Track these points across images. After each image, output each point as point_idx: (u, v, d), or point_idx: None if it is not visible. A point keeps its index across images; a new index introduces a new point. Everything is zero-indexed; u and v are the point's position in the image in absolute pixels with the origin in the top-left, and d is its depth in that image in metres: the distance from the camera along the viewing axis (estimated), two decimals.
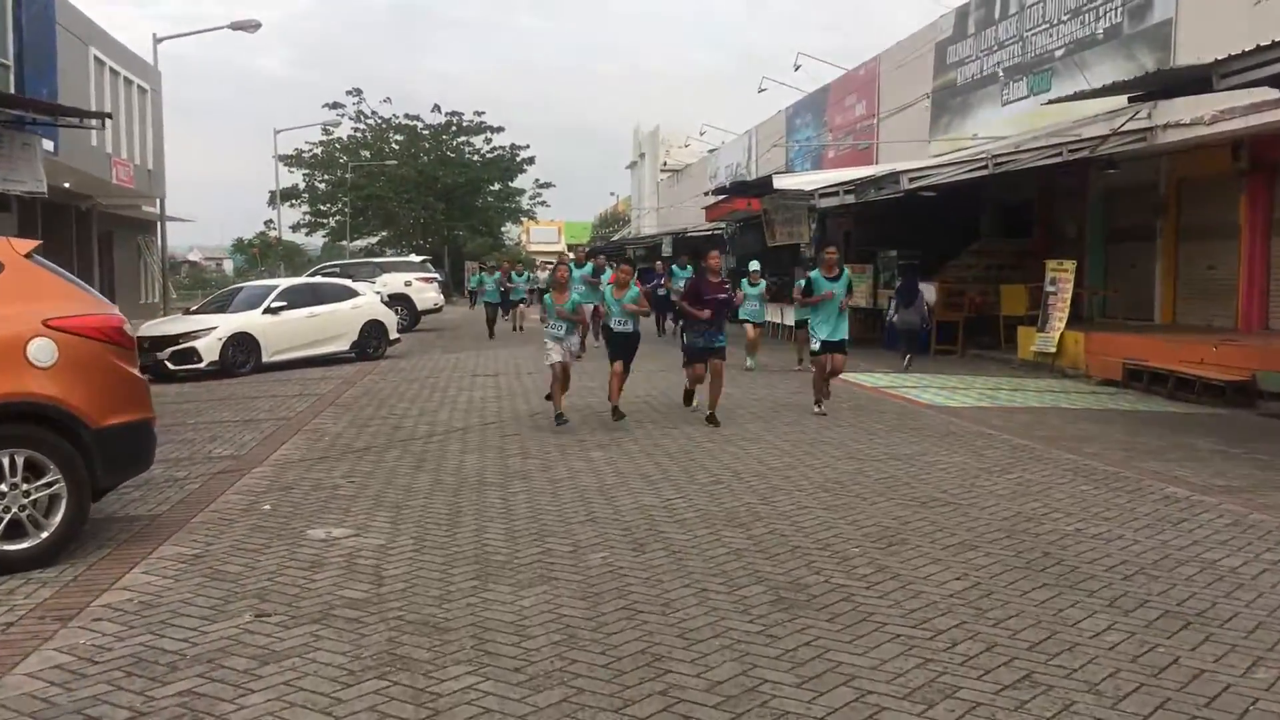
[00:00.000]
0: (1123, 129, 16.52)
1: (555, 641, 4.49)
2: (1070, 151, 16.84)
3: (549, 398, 10.99)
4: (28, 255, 6.15)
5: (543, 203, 65.44)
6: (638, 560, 5.76)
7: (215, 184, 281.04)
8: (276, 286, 19.07)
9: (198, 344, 17.07)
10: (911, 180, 17.39)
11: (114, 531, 6.58)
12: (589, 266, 19.25)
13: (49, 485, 5.83)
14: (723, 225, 35.85)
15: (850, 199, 19.87)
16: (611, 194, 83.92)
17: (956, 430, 10.44)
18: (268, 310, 18.11)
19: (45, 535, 5.84)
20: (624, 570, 5.57)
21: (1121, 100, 16.79)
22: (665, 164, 57.44)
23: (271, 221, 55.40)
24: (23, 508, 5.73)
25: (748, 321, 17.19)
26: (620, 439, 9.86)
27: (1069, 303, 17.37)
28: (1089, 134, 17.31)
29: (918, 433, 10.29)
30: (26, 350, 5.79)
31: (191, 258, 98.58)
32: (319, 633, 4.66)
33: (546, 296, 11.04)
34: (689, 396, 11.58)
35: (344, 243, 58.35)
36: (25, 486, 5.76)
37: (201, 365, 16.98)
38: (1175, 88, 10.57)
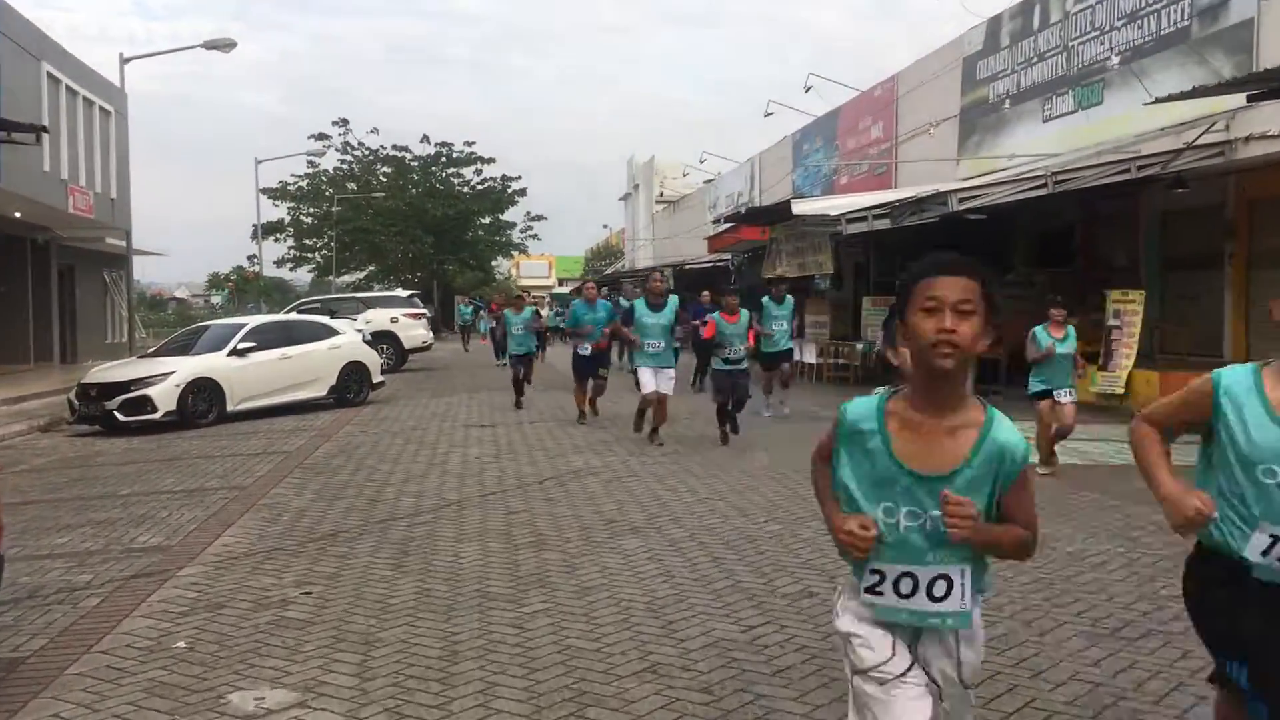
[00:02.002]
0: (1197, 142, 14.62)
1: None
2: (1140, 168, 14.94)
3: None
4: None
5: (534, 236, 63.43)
6: None
7: (206, 221, 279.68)
8: (244, 325, 16.94)
9: (151, 391, 14.91)
10: (961, 201, 15.47)
11: None
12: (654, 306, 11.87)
13: None
14: (727, 256, 33.98)
15: (884, 224, 17.94)
16: (604, 226, 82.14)
17: (1073, 501, 8.38)
18: (234, 352, 15.98)
19: None
20: None
21: (1189, 112, 15.07)
22: (661, 194, 55.62)
23: (254, 256, 53.22)
24: None
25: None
26: (661, 520, 7.76)
27: (1137, 338, 15.47)
28: (1150, 150, 15.46)
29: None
30: None
31: (179, 294, 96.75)
32: None
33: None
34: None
35: (330, 278, 56.21)
36: None
37: (156, 416, 14.82)
38: None
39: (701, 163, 44.44)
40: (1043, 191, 15.23)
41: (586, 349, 13.81)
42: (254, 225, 49.55)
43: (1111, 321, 15.88)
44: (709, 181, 45.99)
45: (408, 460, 11.06)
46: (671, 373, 11.81)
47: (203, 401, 15.36)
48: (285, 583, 6.17)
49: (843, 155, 30.42)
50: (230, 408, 15.64)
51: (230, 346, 16.04)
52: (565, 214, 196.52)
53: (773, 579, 6.01)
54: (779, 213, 22.53)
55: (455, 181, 59.80)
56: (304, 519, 8.07)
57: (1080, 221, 20.95)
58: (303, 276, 67.32)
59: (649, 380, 11.64)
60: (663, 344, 11.70)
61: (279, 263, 59.23)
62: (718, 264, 35.36)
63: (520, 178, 59.98)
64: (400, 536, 7.34)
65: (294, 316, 20.68)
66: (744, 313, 12.01)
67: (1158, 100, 11.89)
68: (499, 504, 8.48)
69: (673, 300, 12.01)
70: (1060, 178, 15.13)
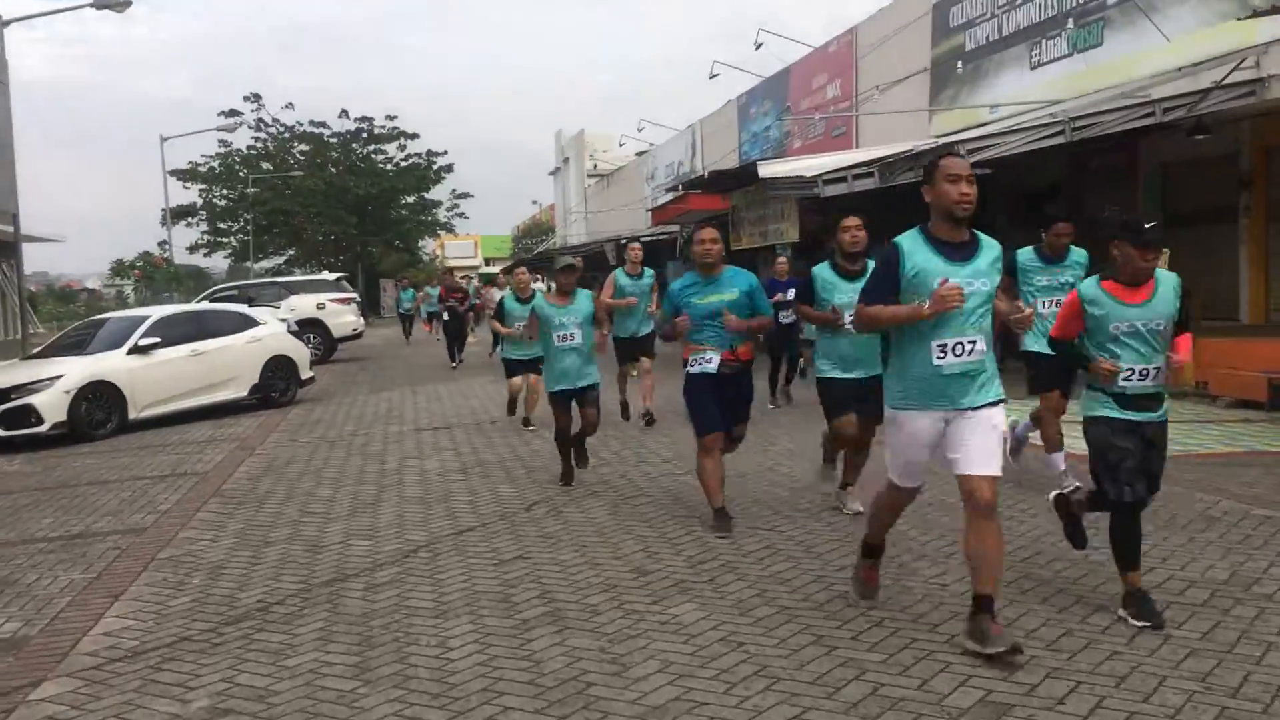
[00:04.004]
0: (1225, 81, 13.09)
1: None
2: (1165, 110, 13.39)
3: None
4: None
5: (461, 214, 60.73)
6: None
7: (116, 207, 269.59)
8: (147, 318, 14.55)
9: (36, 399, 12.55)
10: (969, 153, 13.75)
11: None
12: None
13: None
14: (674, 228, 32.06)
15: (868, 183, 16.19)
16: (534, 202, 79.58)
17: (1206, 509, 6.64)
18: (135, 349, 13.64)
19: None
20: None
21: (1209, 49, 13.60)
22: (595, 166, 53.45)
23: (165, 243, 49.68)
24: None
25: None
26: (708, 566, 5.83)
27: None
28: (1160, 94, 13.93)
29: (1161, 517, 6.47)
30: None
31: (90, 285, 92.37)
32: None
33: None
34: None
35: (248, 264, 52.97)
36: None
37: (43, 429, 12.50)
38: None
39: (640, 131, 42.37)
40: (1060, 139, 13.64)
41: (712, 363, 6.63)
42: (162, 209, 46.40)
43: None
44: (642, 154, 44.00)
45: (352, 480, 8.98)
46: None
47: (99, 409, 13.04)
48: (193, 712, 4.12)
49: (795, 117, 28.63)
50: (133, 415, 13.34)
51: (131, 343, 13.70)
52: (491, 192, 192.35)
53: (917, 672, 4.12)
54: (743, 177, 20.66)
55: (377, 159, 56.87)
56: (221, 581, 5.99)
57: (1066, 178, 19.52)
58: (219, 263, 63.88)
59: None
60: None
61: (192, 249, 55.92)
62: (661, 237, 33.44)
63: (446, 153, 57.28)
64: (358, 610, 5.31)
65: (206, 306, 18.24)
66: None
67: (1256, 14, 10.15)
68: (483, 546, 6.47)
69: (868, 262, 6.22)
70: (1080, 124, 13.53)
